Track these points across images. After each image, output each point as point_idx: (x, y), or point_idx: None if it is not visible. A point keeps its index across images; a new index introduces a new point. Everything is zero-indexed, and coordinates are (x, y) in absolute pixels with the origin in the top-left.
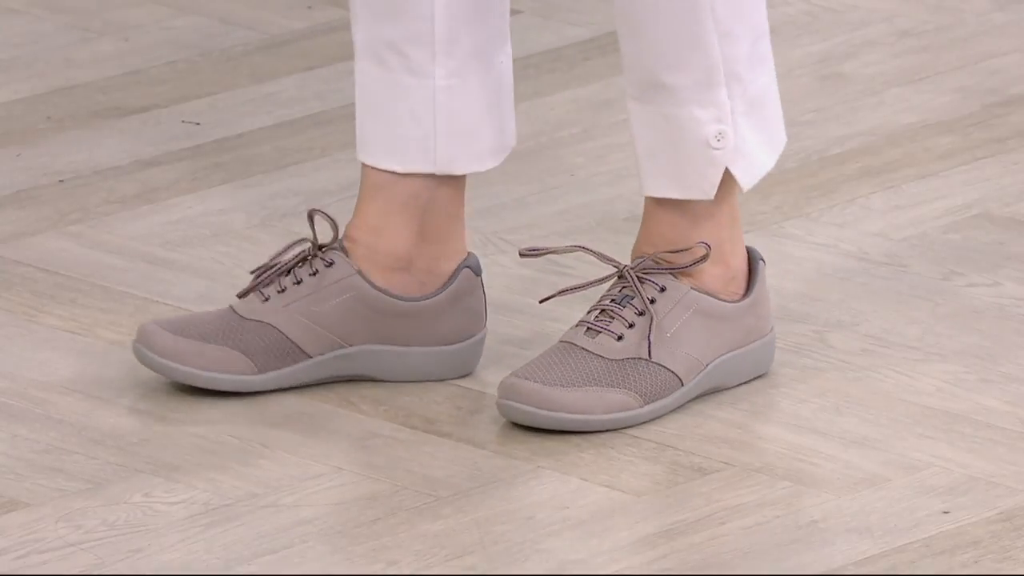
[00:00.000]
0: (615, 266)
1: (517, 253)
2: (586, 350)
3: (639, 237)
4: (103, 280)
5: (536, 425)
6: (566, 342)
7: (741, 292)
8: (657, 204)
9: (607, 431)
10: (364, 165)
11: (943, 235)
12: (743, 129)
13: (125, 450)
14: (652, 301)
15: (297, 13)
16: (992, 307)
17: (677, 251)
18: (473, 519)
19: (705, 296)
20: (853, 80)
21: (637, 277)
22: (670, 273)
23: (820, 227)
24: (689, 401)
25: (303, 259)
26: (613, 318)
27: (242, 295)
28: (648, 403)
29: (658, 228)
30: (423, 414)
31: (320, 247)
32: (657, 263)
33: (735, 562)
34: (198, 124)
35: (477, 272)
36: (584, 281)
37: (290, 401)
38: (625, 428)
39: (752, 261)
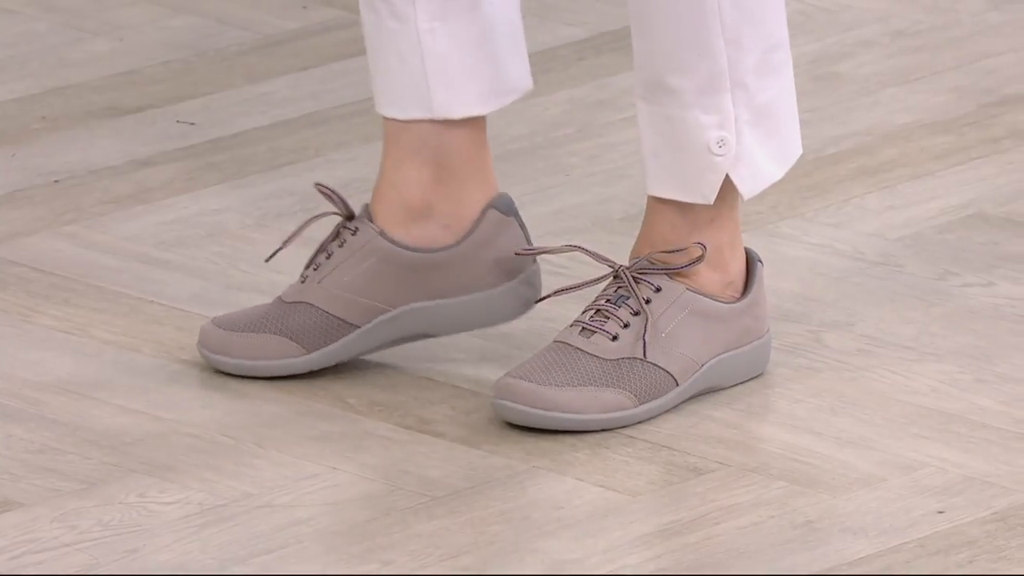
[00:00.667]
0: (610, 266)
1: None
2: (581, 350)
3: (639, 236)
4: (97, 280)
5: (531, 425)
6: (561, 342)
7: (738, 295)
8: (659, 204)
9: (602, 431)
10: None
11: (938, 235)
12: (747, 138)
13: (120, 450)
14: (647, 301)
15: (292, 13)
16: (987, 307)
17: (673, 251)
18: (468, 519)
19: (701, 296)
20: (848, 80)
21: (633, 277)
22: (666, 274)
23: (815, 227)
24: (684, 401)
25: (336, 233)
26: (608, 318)
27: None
28: (643, 403)
29: (659, 229)
30: (418, 414)
31: (349, 216)
32: (653, 263)
33: (730, 562)
34: (193, 124)
35: (507, 211)
36: (579, 281)
37: (285, 401)
38: (620, 428)
39: (750, 262)
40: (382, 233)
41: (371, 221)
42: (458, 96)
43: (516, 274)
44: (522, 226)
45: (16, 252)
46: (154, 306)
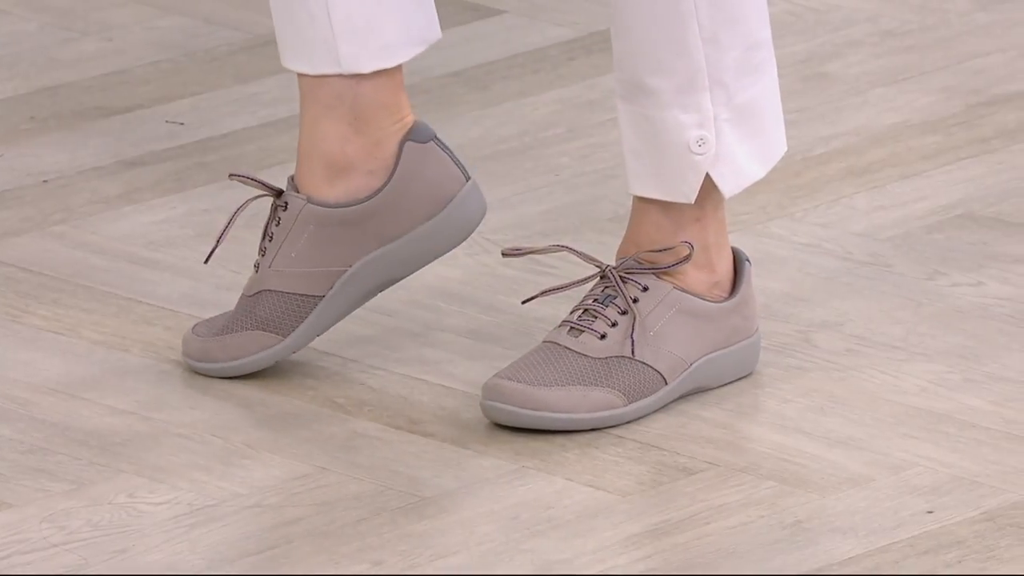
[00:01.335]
0: (598, 266)
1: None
2: (569, 349)
3: (625, 237)
4: (87, 280)
5: (520, 425)
6: (549, 342)
7: (726, 295)
8: (643, 205)
9: (591, 431)
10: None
11: (927, 235)
12: (728, 137)
13: (109, 450)
14: (635, 300)
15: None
16: (976, 307)
17: (661, 251)
18: (458, 519)
19: (688, 295)
20: (836, 80)
21: (620, 277)
22: (653, 273)
23: (804, 227)
24: (674, 401)
25: (272, 213)
26: (596, 317)
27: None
28: (632, 401)
29: (644, 229)
30: (408, 414)
31: (278, 193)
32: (640, 263)
33: (720, 562)
34: (182, 124)
35: (423, 138)
36: (567, 281)
37: (275, 402)
38: (609, 428)
39: (738, 262)
40: (309, 199)
41: (296, 191)
42: (365, 49)
43: (450, 198)
44: (443, 147)
45: (5, 252)
46: (144, 306)
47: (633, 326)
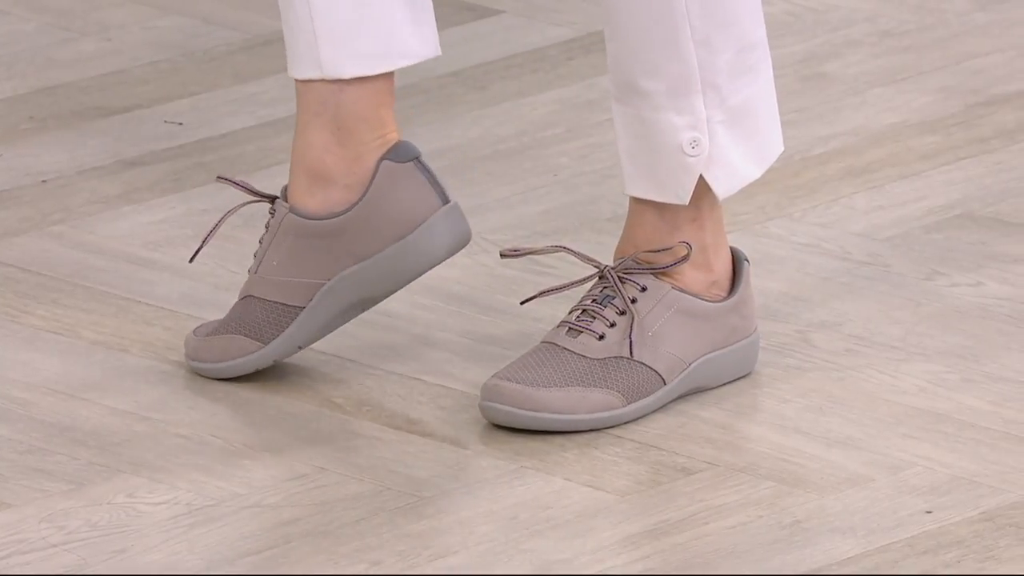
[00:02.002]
0: (596, 266)
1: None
2: (568, 350)
3: (622, 237)
4: (85, 280)
5: (519, 426)
6: (548, 342)
7: (724, 295)
8: (640, 205)
9: (590, 431)
10: None
11: (926, 235)
12: (721, 138)
13: (108, 450)
14: (633, 301)
15: (279, 13)
16: (975, 307)
17: (658, 251)
18: (457, 519)
19: (687, 295)
20: (835, 80)
21: (618, 277)
22: (651, 273)
23: (803, 227)
24: (672, 401)
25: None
26: (595, 318)
27: None
28: (631, 402)
29: (641, 230)
30: (406, 415)
31: (273, 199)
32: (638, 263)
33: (718, 562)
34: (181, 124)
35: (402, 159)
36: (566, 281)
37: (273, 402)
38: (608, 428)
39: (737, 262)
40: (292, 208)
41: (286, 198)
42: (345, 54)
43: (420, 222)
44: (424, 170)
45: (4, 252)
46: (142, 306)
47: (631, 326)
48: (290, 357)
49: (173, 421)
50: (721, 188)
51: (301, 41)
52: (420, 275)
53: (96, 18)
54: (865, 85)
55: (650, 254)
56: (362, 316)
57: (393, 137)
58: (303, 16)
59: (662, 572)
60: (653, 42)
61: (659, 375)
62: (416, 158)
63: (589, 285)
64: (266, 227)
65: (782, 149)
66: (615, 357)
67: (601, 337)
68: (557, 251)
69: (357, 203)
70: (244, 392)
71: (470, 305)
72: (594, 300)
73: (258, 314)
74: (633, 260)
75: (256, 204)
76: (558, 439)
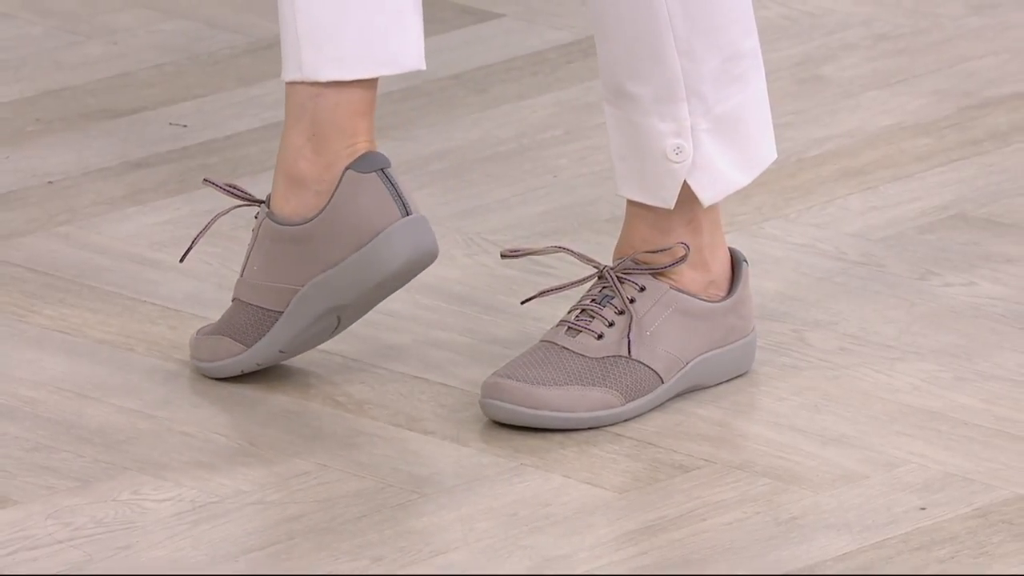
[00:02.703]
0: (595, 266)
1: (499, 254)
2: (567, 349)
3: (620, 238)
4: (91, 280)
5: (519, 423)
6: (547, 341)
7: (722, 294)
8: (636, 207)
9: (589, 429)
10: None
11: (919, 235)
12: (706, 146)
13: (114, 448)
14: (632, 300)
15: None
16: (968, 306)
17: (656, 251)
18: (457, 516)
19: (684, 295)
20: (831, 83)
21: (617, 277)
22: (650, 273)
23: (799, 228)
24: (670, 399)
25: None
26: (593, 317)
27: None
28: (629, 400)
29: (638, 231)
30: (407, 412)
31: (260, 202)
32: (637, 263)
33: (715, 558)
34: (185, 126)
35: (365, 168)
36: (565, 281)
37: (276, 400)
38: (607, 426)
39: (735, 262)
40: (269, 214)
41: (269, 202)
42: (323, 57)
43: (377, 232)
44: (388, 181)
45: (11, 253)
46: (148, 306)
47: (630, 326)
48: (290, 359)
49: (178, 419)
50: (706, 194)
51: (287, 43)
52: (384, 285)
53: (102, 22)
54: (860, 88)
55: (648, 254)
56: (366, 316)
57: (363, 147)
58: (288, 18)
59: (660, 568)
60: (638, 49)
61: (657, 374)
62: (381, 169)
63: (588, 285)
64: (252, 230)
65: (774, 157)
66: (614, 356)
67: (600, 336)
68: (556, 251)
69: (323, 210)
70: (247, 391)
71: (471, 305)
72: (593, 300)
73: (242, 317)
74: (632, 260)
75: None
76: (557, 437)
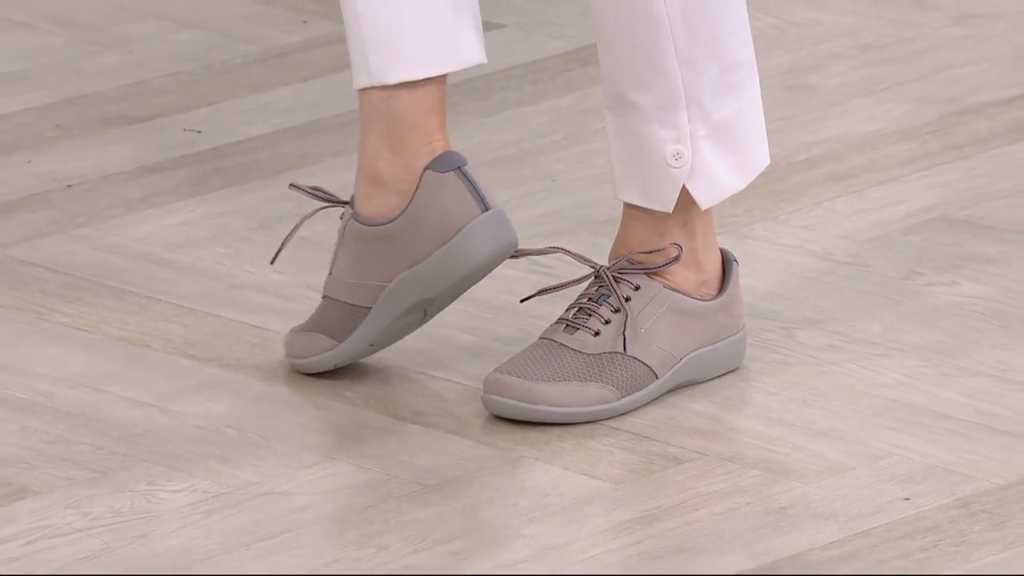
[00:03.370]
0: (592, 266)
1: None
2: (565, 346)
3: (616, 240)
4: (109, 280)
5: (519, 418)
6: (546, 339)
7: (714, 293)
8: (633, 210)
9: (586, 423)
10: None
11: (904, 237)
12: (704, 152)
13: (130, 441)
14: (627, 299)
15: (292, 27)
16: (950, 305)
17: (650, 252)
18: (460, 506)
19: (678, 294)
20: (818, 91)
21: (613, 277)
22: (644, 273)
23: (788, 229)
24: (664, 394)
25: None
26: (590, 315)
27: None
28: (625, 395)
29: (634, 233)
30: (412, 407)
31: (345, 203)
32: (632, 263)
33: (707, 546)
34: (199, 132)
35: (443, 168)
36: (563, 281)
37: (286, 395)
38: (604, 420)
39: (727, 263)
40: (353, 214)
41: (353, 203)
42: (390, 60)
43: (459, 228)
44: (465, 179)
45: (32, 253)
46: (163, 304)
47: (625, 324)
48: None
49: (191, 413)
50: (703, 198)
51: (355, 51)
52: (469, 277)
53: (119, 32)
54: (846, 95)
55: (643, 255)
56: None
57: (439, 146)
58: (353, 27)
59: (654, 555)
60: (640, 59)
61: (651, 370)
62: (459, 167)
63: (585, 284)
64: (338, 231)
65: (767, 163)
66: (610, 353)
67: (596, 334)
68: (554, 252)
69: (406, 209)
70: (258, 386)
71: (472, 303)
72: (590, 299)
73: (332, 314)
74: (627, 260)
75: (272, 206)
76: (556, 430)
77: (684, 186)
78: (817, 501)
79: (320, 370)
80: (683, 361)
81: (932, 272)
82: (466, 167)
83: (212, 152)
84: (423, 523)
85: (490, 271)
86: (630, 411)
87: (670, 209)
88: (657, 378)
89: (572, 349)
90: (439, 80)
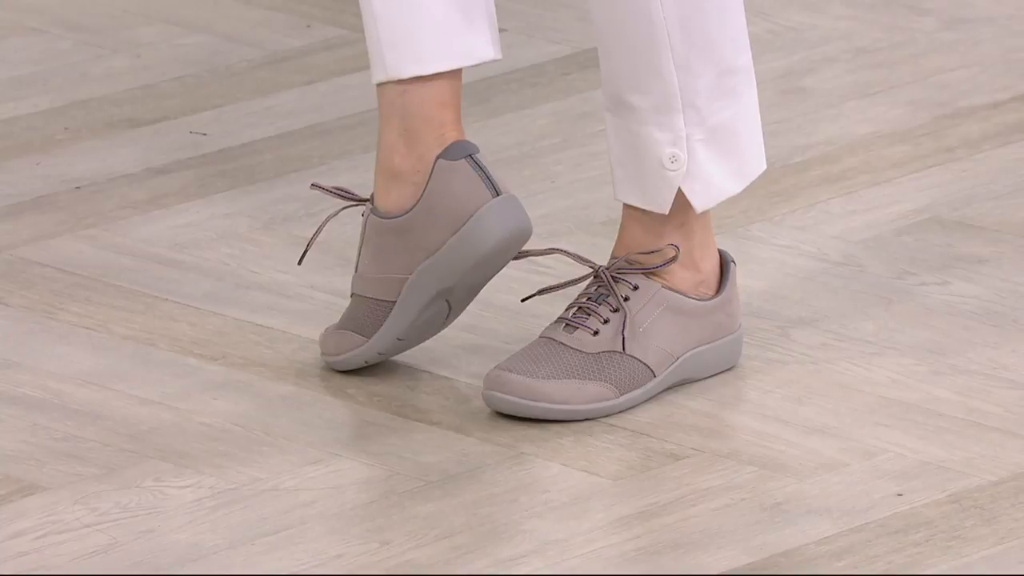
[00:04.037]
0: (591, 267)
1: None
2: (565, 344)
3: (617, 240)
4: (116, 280)
5: (520, 415)
6: (546, 337)
7: (711, 293)
8: (631, 211)
9: (585, 420)
10: None
11: (897, 237)
12: (700, 156)
13: (137, 438)
14: (626, 299)
15: (297, 31)
16: (942, 304)
17: (648, 252)
18: (461, 502)
19: (675, 294)
20: (813, 94)
21: (612, 277)
22: (642, 273)
23: (783, 230)
24: (662, 392)
25: None
26: (589, 315)
27: None
28: (623, 393)
29: (633, 233)
30: (414, 404)
31: (365, 201)
32: (630, 264)
33: (704, 541)
34: (205, 135)
35: (454, 156)
36: (563, 281)
37: (291, 392)
38: (602, 417)
39: (724, 263)
40: (373, 209)
41: (373, 199)
42: (404, 55)
43: (471, 214)
44: (477, 166)
45: (41, 254)
46: (169, 304)
47: (624, 323)
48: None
49: (197, 410)
50: (699, 201)
51: (372, 48)
52: (485, 264)
53: (127, 36)
54: (840, 99)
55: (641, 255)
56: None
57: (452, 136)
58: (370, 25)
59: (652, 550)
60: (638, 63)
61: (649, 368)
62: (470, 155)
63: (584, 284)
64: (361, 228)
65: (764, 167)
66: (608, 351)
67: (595, 333)
68: (554, 253)
69: (420, 199)
70: (263, 383)
71: (474, 303)
72: (589, 298)
73: (360, 310)
74: (625, 261)
75: (277, 207)
76: (555, 427)
77: (680, 188)
78: (812, 497)
79: (351, 367)
80: (680, 360)
81: (924, 272)
82: (478, 155)
83: (218, 154)
84: (425, 519)
85: (507, 258)
86: (628, 408)
87: (666, 211)
88: (655, 376)
89: (571, 348)
90: (452, 75)
